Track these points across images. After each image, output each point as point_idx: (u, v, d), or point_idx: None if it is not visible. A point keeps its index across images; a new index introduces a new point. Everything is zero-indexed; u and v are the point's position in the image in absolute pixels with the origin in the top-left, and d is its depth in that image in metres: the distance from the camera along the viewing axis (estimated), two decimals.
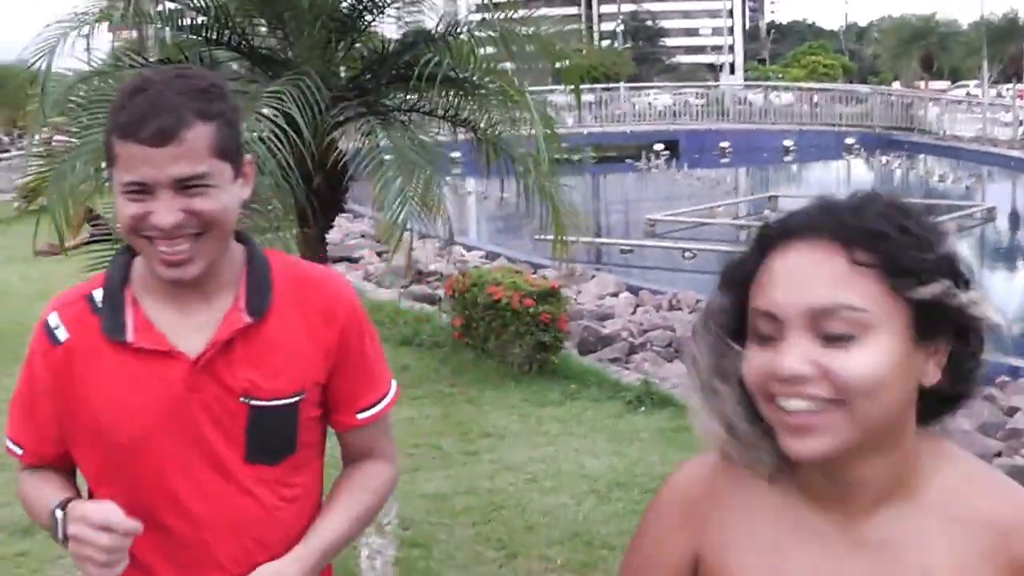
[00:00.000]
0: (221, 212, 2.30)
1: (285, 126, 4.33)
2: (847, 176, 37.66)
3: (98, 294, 2.44)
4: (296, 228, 5.10)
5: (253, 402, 2.39)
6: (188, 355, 2.37)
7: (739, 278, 1.66)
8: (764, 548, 1.71)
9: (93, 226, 10.69)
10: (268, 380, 2.41)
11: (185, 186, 2.23)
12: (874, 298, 1.53)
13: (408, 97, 5.26)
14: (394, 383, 2.70)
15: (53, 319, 2.47)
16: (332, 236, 19.15)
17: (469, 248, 19.24)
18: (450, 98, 5.20)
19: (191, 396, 2.37)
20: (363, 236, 19.46)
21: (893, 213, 1.58)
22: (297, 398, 2.44)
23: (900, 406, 1.58)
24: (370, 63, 5.16)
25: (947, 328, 1.58)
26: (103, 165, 4.58)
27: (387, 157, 4.71)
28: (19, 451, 2.61)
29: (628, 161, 37.95)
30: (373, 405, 2.61)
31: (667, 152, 38.61)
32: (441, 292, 13.42)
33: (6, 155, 34.81)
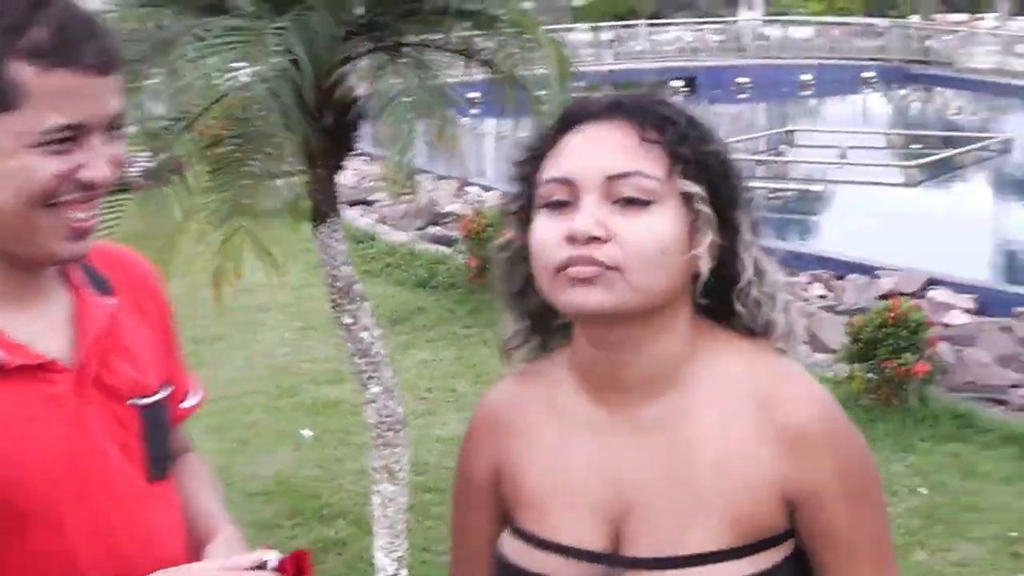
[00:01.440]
0: None
1: (289, 64, 4.18)
2: (864, 109, 37.45)
3: None
4: (306, 170, 4.97)
5: (142, 402, 1.93)
6: (63, 362, 1.84)
7: (533, 155, 1.76)
8: (548, 446, 1.78)
9: None
10: (143, 373, 1.95)
11: (112, 127, 1.77)
12: (661, 172, 1.64)
13: (421, 34, 5.10)
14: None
15: None
16: (348, 179, 19.14)
17: (487, 188, 19.05)
18: (464, 33, 5.05)
19: (85, 411, 1.84)
20: (378, 180, 19.26)
21: (679, 109, 1.73)
22: (168, 390, 2.01)
23: (674, 283, 1.66)
24: None
25: (714, 221, 1.68)
26: None
27: (398, 97, 4.55)
28: None
29: None
30: (192, 391, 2.20)
31: (685, 88, 38.30)
32: (457, 233, 13.30)
33: None
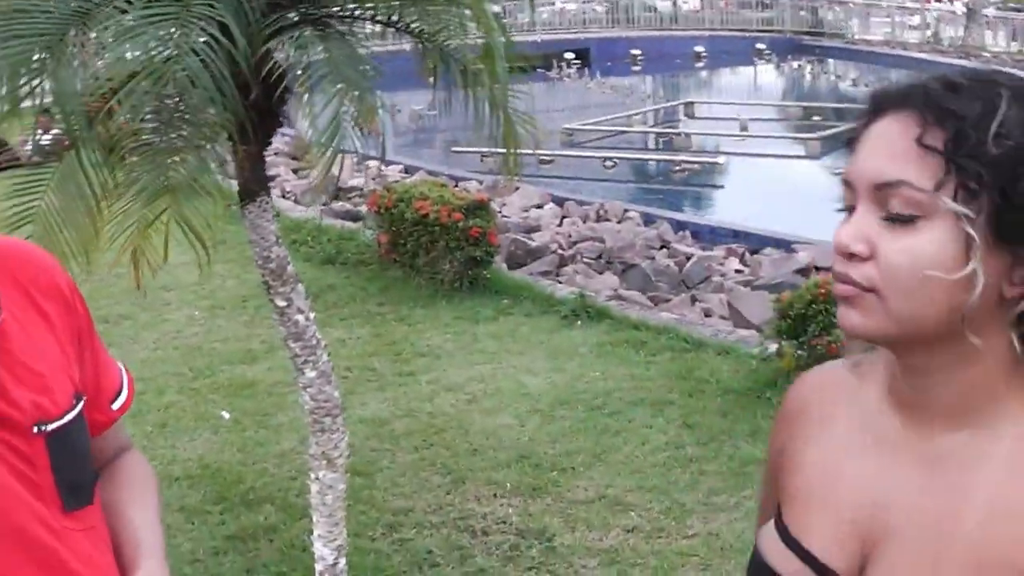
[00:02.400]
0: None
1: (219, 35, 4.00)
2: (759, 81, 37.70)
3: None
4: (235, 144, 4.77)
5: (49, 428, 1.72)
6: None
7: (849, 146, 1.53)
8: (833, 442, 1.61)
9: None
10: (46, 392, 1.74)
11: None
12: (931, 182, 1.37)
13: (348, 4, 4.94)
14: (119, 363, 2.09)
15: None
16: None
17: (387, 163, 18.85)
18: (392, 3, 4.88)
19: None
20: (276, 153, 18.95)
21: (982, 95, 1.39)
22: (81, 402, 1.82)
23: (948, 311, 1.40)
24: None
25: (988, 242, 1.38)
26: (20, 83, 4.27)
27: (324, 70, 4.39)
28: None
29: (539, 71, 37.63)
30: (121, 389, 2.04)
31: (578, 61, 38.26)
32: (363, 208, 13.09)
33: None
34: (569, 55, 38.42)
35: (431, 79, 5.09)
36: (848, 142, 1.52)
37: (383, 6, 4.94)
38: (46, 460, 1.71)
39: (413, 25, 4.99)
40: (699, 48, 39.92)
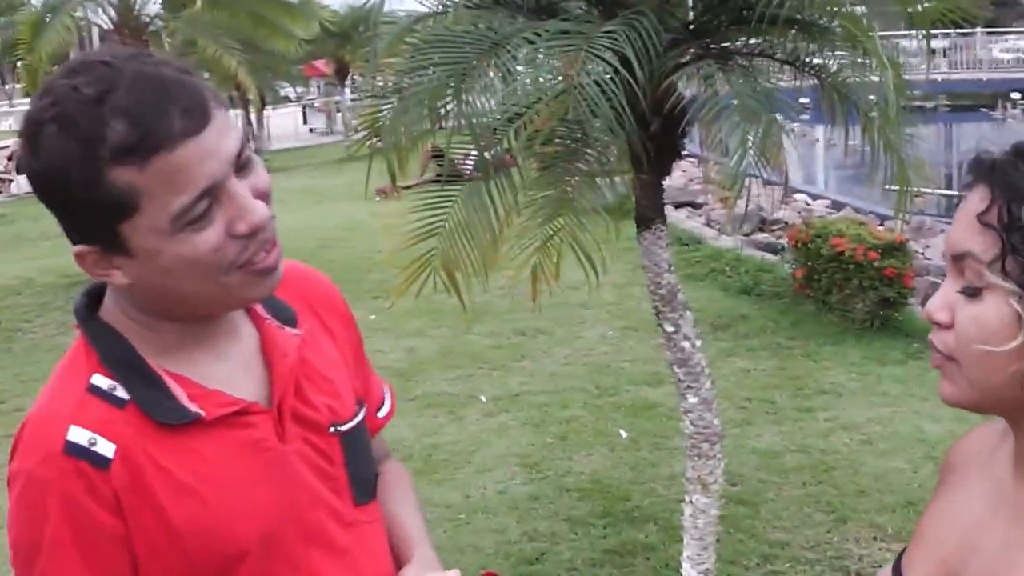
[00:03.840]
0: None
1: (619, 67, 4.18)
2: None
3: (102, 381, 1.74)
4: (632, 174, 4.95)
5: (343, 428, 1.94)
6: (260, 403, 1.83)
7: None
8: (956, 494, 1.67)
9: (438, 163, 10.75)
10: (337, 398, 1.96)
11: (239, 164, 1.68)
12: (991, 255, 1.42)
13: (749, 41, 5.04)
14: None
15: (79, 434, 1.68)
16: (676, 180, 19.17)
17: (815, 197, 18.76)
18: (793, 41, 4.95)
19: (287, 451, 1.84)
20: (708, 182, 19.17)
21: None
22: (364, 409, 2.03)
23: (1020, 377, 1.42)
24: (709, 4, 4.95)
25: None
26: (438, 104, 4.58)
27: (727, 103, 4.49)
28: None
29: (983, 110, 36.40)
30: (384, 400, 2.23)
31: None
32: (784, 242, 13.10)
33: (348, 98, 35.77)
34: (1015, 95, 37.04)
35: (831, 116, 5.12)
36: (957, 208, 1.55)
37: (782, 43, 5.00)
38: (341, 457, 1.94)
39: (812, 63, 5.05)
40: None
